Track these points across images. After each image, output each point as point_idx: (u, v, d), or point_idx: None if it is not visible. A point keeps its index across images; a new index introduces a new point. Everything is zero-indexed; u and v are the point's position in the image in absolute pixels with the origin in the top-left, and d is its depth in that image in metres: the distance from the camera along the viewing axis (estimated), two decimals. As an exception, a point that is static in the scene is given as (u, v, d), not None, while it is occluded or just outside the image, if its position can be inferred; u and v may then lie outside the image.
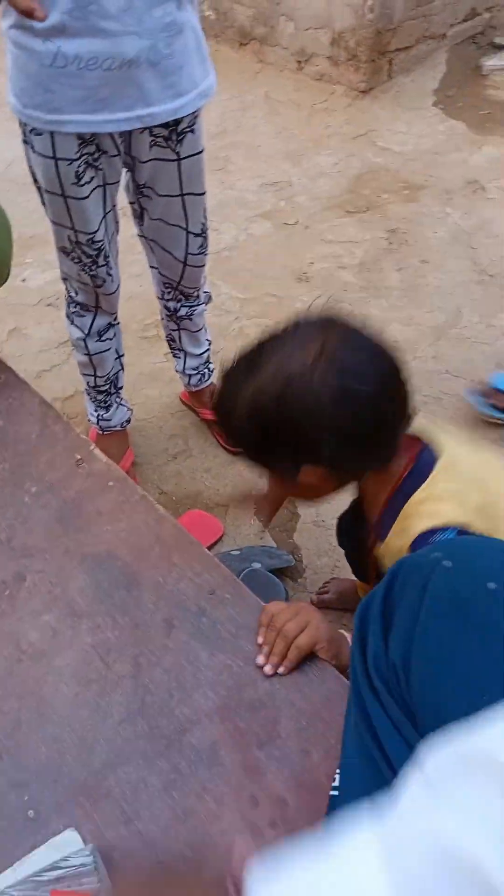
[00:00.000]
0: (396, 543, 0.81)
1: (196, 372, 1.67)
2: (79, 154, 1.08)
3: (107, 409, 1.61)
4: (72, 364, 1.96)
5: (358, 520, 1.01)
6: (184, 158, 1.18)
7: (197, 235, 1.32)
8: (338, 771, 0.59)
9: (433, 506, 0.78)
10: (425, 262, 2.19)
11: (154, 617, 0.75)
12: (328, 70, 2.88)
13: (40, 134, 1.07)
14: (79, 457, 0.90)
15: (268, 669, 0.70)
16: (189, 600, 0.76)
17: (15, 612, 0.76)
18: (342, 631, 0.74)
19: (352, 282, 2.17)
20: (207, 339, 1.66)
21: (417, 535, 0.76)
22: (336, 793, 0.58)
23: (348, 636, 0.73)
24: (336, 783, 0.58)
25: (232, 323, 2.05)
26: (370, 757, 0.54)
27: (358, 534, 1.05)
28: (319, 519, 1.60)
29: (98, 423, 1.60)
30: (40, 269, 2.19)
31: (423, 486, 0.81)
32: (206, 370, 1.68)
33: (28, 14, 0.92)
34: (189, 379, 1.69)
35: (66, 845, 0.60)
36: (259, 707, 0.69)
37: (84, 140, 1.07)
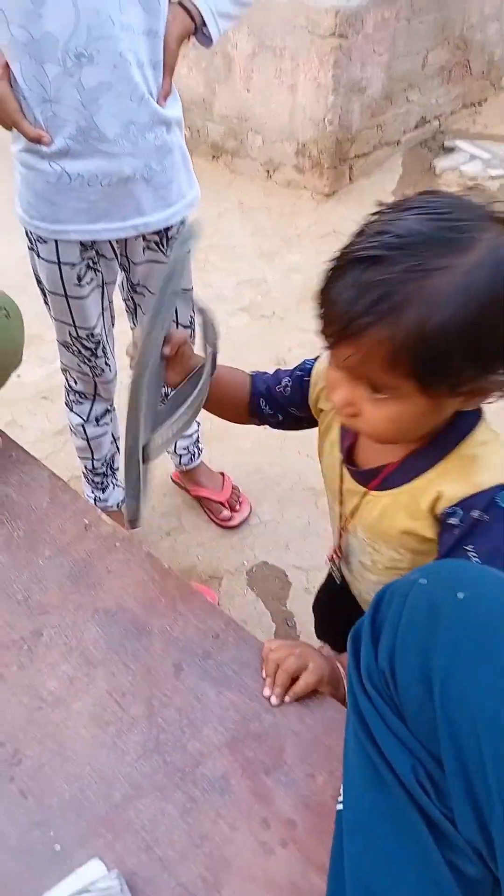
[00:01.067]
0: (416, 492, 0.76)
1: (186, 452, 1.76)
2: (80, 259, 1.21)
3: (103, 490, 1.69)
4: (66, 452, 2.06)
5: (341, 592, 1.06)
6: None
7: (186, 327, 1.44)
8: (342, 787, 0.64)
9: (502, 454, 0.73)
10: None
11: (164, 662, 0.81)
12: (295, 177, 3.13)
13: (45, 242, 1.20)
14: (87, 521, 0.97)
15: (274, 700, 0.76)
16: (195, 645, 0.83)
17: (34, 664, 0.81)
18: (338, 663, 0.80)
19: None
20: (197, 421, 1.76)
21: (490, 487, 0.70)
22: (341, 806, 0.63)
23: (342, 669, 0.79)
24: (341, 798, 0.63)
25: (217, 406, 2.16)
26: (370, 760, 0.60)
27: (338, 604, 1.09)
28: (311, 586, 1.66)
29: (95, 505, 1.68)
30: (36, 364, 2.31)
31: (481, 429, 0.74)
32: (195, 450, 1.77)
33: (36, 141, 1.06)
34: (180, 459, 1.78)
35: (92, 873, 0.64)
36: (265, 738, 0.74)
37: (85, 246, 1.20)
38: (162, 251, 1.29)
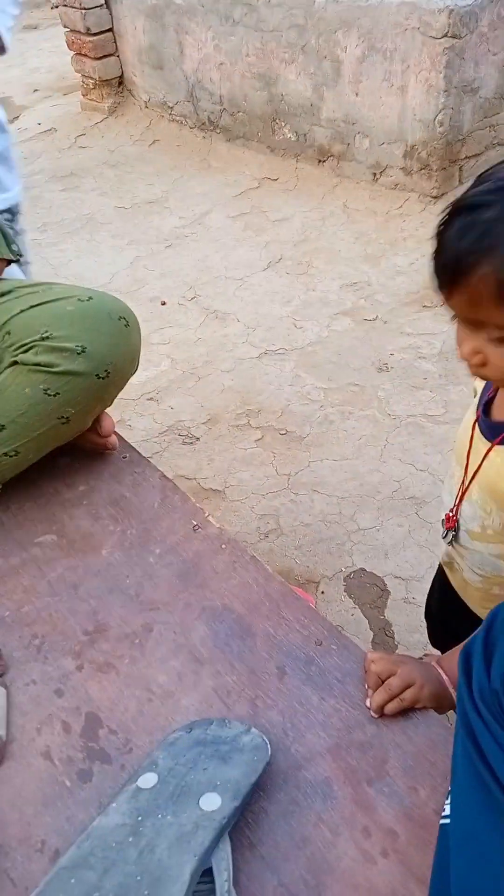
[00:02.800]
0: None
1: None
2: None
3: None
4: (170, 451, 2.12)
5: (446, 597, 1.06)
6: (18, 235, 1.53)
7: None
8: (447, 801, 0.64)
9: None
10: (503, 350, 2.27)
11: (268, 664, 0.83)
12: (402, 180, 3.09)
13: None
14: (195, 522, 1.00)
15: (373, 714, 0.77)
16: (298, 650, 0.84)
17: (144, 657, 0.85)
18: (440, 670, 0.79)
19: (431, 370, 2.28)
20: None
21: None
22: (447, 820, 0.62)
23: (445, 677, 0.79)
24: (447, 812, 0.63)
25: (317, 411, 2.18)
26: (480, 778, 0.59)
27: (447, 611, 1.09)
28: (410, 596, 1.65)
29: None
30: (142, 367, 2.38)
31: None
32: None
33: None
34: None
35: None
36: (367, 748, 0.75)
37: None
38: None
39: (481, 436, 0.86)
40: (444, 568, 1.06)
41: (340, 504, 1.89)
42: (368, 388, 2.25)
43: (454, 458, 0.94)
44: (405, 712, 0.77)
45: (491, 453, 0.84)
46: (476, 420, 0.87)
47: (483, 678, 0.61)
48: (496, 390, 0.87)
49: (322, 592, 1.69)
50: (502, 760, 0.58)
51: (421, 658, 1.48)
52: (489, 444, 0.84)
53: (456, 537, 0.94)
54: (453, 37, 2.65)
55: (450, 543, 0.95)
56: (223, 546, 0.97)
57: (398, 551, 1.75)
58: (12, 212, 1.55)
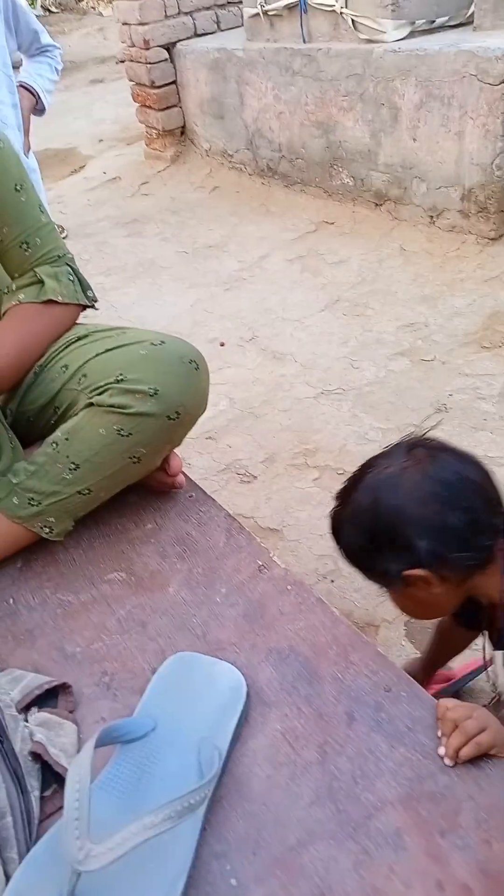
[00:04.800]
0: None
1: None
2: None
3: None
4: (228, 490, 2.14)
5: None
6: None
7: None
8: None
9: None
10: None
11: (336, 709, 0.82)
12: (459, 222, 3.11)
13: None
14: (260, 563, 1.01)
15: (447, 761, 0.75)
16: (367, 695, 0.83)
17: (211, 698, 0.85)
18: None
19: (491, 411, 2.25)
20: None
21: None
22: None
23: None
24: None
25: (374, 450, 2.16)
26: None
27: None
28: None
29: None
30: (201, 405, 2.43)
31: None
32: None
33: None
34: None
35: (267, 912, 0.66)
36: (439, 798, 0.73)
37: None
38: None
39: None
40: None
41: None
42: (426, 429, 2.24)
43: None
44: (477, 762, 0.75)
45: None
46: None
47: None
48: None
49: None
50: None
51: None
52: None
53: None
54: (512, 83, 2.68)
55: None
56: (289, 587, 0.98)
57: (460, 595, 1.72)
58: None
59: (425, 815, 0.72)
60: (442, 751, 0.76)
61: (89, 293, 1.19)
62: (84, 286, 1.18)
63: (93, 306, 1.19)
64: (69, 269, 1.15)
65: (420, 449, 0.94)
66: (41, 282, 1.12)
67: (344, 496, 0.97)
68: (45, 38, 1.98)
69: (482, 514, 0.89)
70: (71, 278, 1.15)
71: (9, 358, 1.09)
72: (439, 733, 0.78)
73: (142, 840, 0.62)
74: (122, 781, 0.76)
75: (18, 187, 1.07)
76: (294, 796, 0.75)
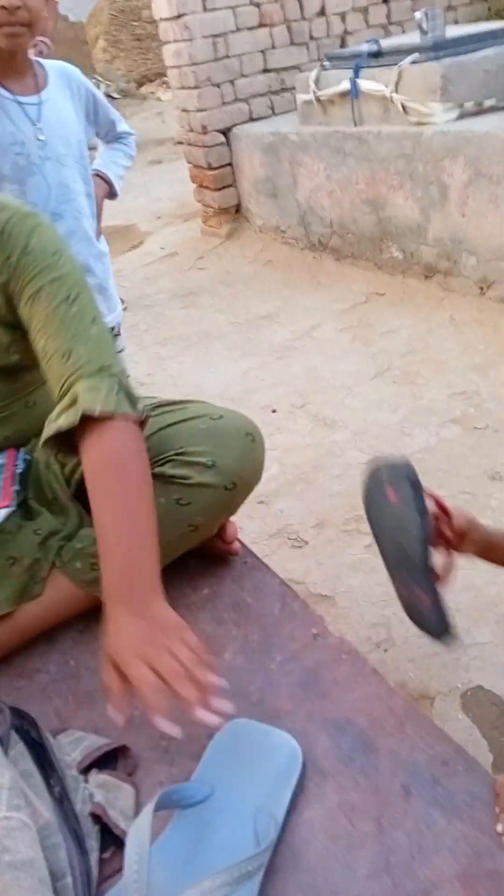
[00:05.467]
0: None
1: None
2: None
3: None
4: (279, 555, 2.15)
5: None
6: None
7: None
8: None
9: None
10: None
11: (392, 782, 0.82)
12: (510, 293, 3.14)
13: None
14: (315, 631, 1.03)
15: (506, 839, 0.74)
16: (423, 769, 0.83)
17: (267, 765, 0.86)
18: None
19: (548, 481, 2.24)
20: None
21: None
22: None
23: None
24: None
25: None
26: None
27: None
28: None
29: None
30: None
31: None
32: None
33: None
34: None
35: None
36: (499, 878, 0.72)
37: None
38: None
39: None
40: None
41: (455, 616, 1.85)
42: (481, 497, 2.23)
43: None
44: (538, 843, 0.74)
45: None
46: None
47: None
48: None
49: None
50: None
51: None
52: None
53: None
54: None
55: None
56: (343, 657, 0.99)
57: (517, 669, 1.68)
58: (113, 332, 1.72)
59: (483, 894, 0.71)
60: (500, 828, 0.75)
61: (139, 406, 1.00)
62: (132, 399, 1.00)
63: (143, 422, 1.01)
64: (114, 381, 0.98)
65: None
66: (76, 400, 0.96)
67: None
68: (122, 126, 2.10)
69: None
70: (115, 389, 0.97)
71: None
72: (497, 809, 0.77)
73: None
74: (179, 846, 0.77)
75: (71, 298, 0.99)
76: (350, 869, 0.75)
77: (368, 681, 0.95)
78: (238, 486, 1.07)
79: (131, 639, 0.83)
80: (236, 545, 1.17)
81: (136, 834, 0.70)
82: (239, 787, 0.82)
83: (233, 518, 1.16)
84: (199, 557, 1.17)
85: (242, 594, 1.12)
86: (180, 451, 1.05)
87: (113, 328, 1.76)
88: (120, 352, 1.76)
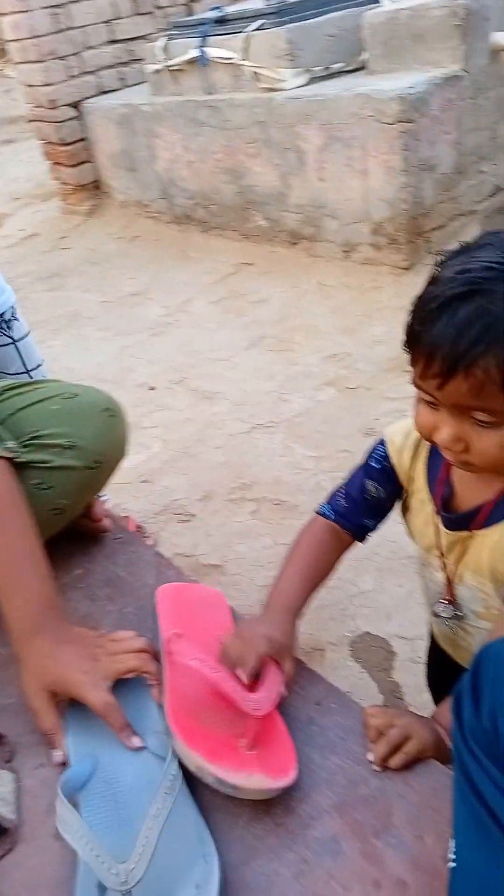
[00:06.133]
0: None
1: None
2: None
3: None
4: (168, 531, 2.15)
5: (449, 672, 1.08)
6: (18, 341, 1.56)
7: None
8: (452, 846, 0.65)
9: None
10: (483, 406, 2.34)
11: (269, 727, 0.84)
12: (372, 255, 3.24)
13: None
14: (191, 595, 1.03)
15: (375, 767, 0.78)
16: (298, 711, 0.86)
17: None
18: (438, 726, 0.81)
19: (416, 431, 2.33)
20: None
21: None
22: (453, 864, 0.63)
23: (442, 731, 0.80)
24: (452, 856, 0.64)
25: (309, 479, 2.22)
26: (478, 819, 0.61)
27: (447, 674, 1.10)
28: (416, 655, 1.65)
29: None
30: (134, 451, 2.44)
31: None
32: None
33: None
34: None
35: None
36: (372, 801, 0.76)
37: None
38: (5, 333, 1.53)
39: (449, 528, 0.88)
40: (446, 647, 1.06)
41: (339, 568, 1.91)
42: (357, 453, 2.27)
43: (422, 550, 0.95)
44: (408, 763, 0.78)
45: (474, 539, 0.86)
46: (437, 513, 0.89)
47: (473, 718, 0.64)
48: (446, 480, 0.88)
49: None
50: (496, 797, 0.60)
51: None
52: (463, 533, 0.86)
53: (460, 618, 0.95)
54: (406, 121, 2.84)
55: (452, 624, 0.97)
56: (220, 615, 1.00)
57: (400, 611, 1.76)
58: (4, 318, 1.59)
59: (360, 819, 0.74)
60: (371, 756, 0.79)
61: (8, 443, 0.98)
62: (2, 437, 0.98)
63: (11, 459, 0.98)
64: None
65: None
66: None
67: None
68: None
69: None
70: None
71: None
72: (368, 740, 0.81)
73: (159, 827, 0.68)
74: (102, 812, 0.76)
75: None
76: (234, 816, 0.76)
77: (244, 636, 0.96)
78: (101, 465, 1.05)
79: (78, 662, 0.84)
80: (106, 522, 1.15)
81: (70, 825, 0.71)
82: (109, 737, 0.82)
83: (114, 497, 1.14)
84: (69, 539, 1.15)
85: (116, 569, 1.11)
86: (34, 434, 1.02)
87: (3, 314, 1.57)
88: (25, 336, 1.60)
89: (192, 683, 0.83)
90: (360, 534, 0.99)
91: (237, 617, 1.00)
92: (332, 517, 0.98)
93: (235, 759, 0.76)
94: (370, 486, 0.96)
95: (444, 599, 0.94)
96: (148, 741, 0.79)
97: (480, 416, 0.72)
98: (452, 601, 0.93)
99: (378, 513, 0.98)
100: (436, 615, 0.98)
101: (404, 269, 3.15)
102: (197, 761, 0.75)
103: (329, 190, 3.25)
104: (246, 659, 0.82)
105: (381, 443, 0.96)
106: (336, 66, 3.34)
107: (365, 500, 0.96)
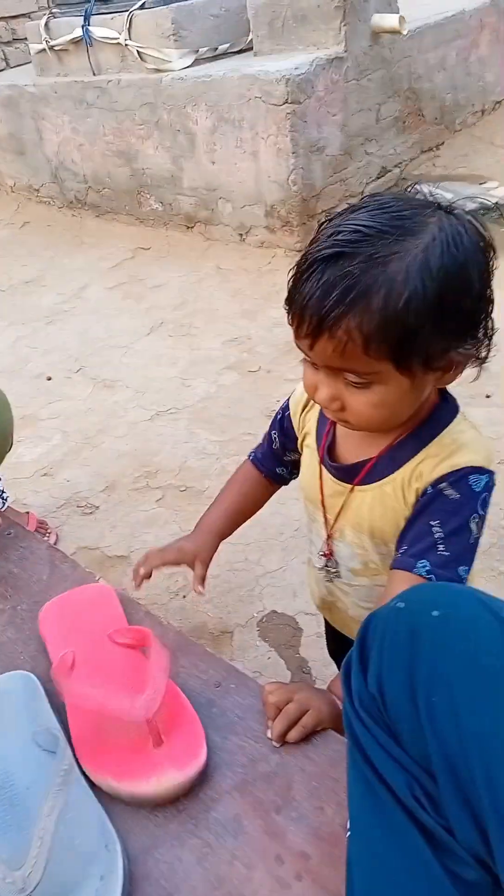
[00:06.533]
0: (401, 482, 0.81)
1: None
2: None
3: None
4: (70, 524, 2.10)
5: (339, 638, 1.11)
6: None
7: None
8: (349, 814, 0.66)
9: (479, 443, 0.80)
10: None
11: (170, 713, 0.83)
12: (267, 237, 3.25)
13: None
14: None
15: (275, 743, 0.79)
16: (198, 694, 0.85)
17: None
18: (335, 700, 0.82)
19: (317, 411, 2.36)
20: None
21: (464, 467, 0.77)
22: (349, 831, 0.65)
23: (337, 701, 0.82)
24: (349, 825, 0.65)
25: (214, 463, 2.22)
26: (367, 782, 0.62)
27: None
28: (321, 630, 1.68)
29: None
30: (33, 444, 2.37)
31: (459, 420, 0.81)
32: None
33: None
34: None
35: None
36: (273, 777, 0.77)
37: None
38: None
39: (333, 478, 0.90)
40: (323, 612, 1.09)
41: (246, 550, 1.92)
42: (261, 436, 2.31)
43: (307, 502, 0.97)
44: (306, 736, 0.79)
45: (354, 494, 0.87)
46: (321, 462, 0.92)
47: (360, 685, 0.65)
48: (331, 432, 0.91)
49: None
50: (384, 759, 0.61)
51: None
52: (346, 486, 0.88)
53: (337, 574, 0.97)
54: (293, 102, 2.85)
55: (330, 581, 0.99)
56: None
57: (305, 588, 1.79)
58: None
59: (261, 796, 0.75)
60: (269, 733, 0.80)
61: None
62: None
63: None
64: None
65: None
66: None
67: (397, 239, 0.69)
68: None
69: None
70: None
71: None
72: (267, 716, 0.81)
73: (53, 825, 0.66)
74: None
75: None
76: (136, 805, 0.75)
77: (142, 623, 0.95)
78: (-16, 455, 1.01)
79: None
80: (-5, 517, 1.11)
81: None
82: (0, 739, 0.79)
83: (12, 492, 1.10)
84: (-43, 537, 1.10)
85: (8, 566, 1.07)
86: None
87: None
88: None
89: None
90: (276, 478, 1.07)
91: (126, 604, 0.98)
92: (252, 460, 1.08)
93: (144, 765, 0.76)
94: (274, 435, 1.02)
95: (323, 554, 0.97)
96: (39, 738, 0.77)
97: (350, 376, 0.74)
98: (329, 557, 0.95)
99: (285, 462, 1.04)
100: (314, 567, 1.01)
101: (298, 251, 3.16)
102: (107, 784, 0.75)
103: (221, 172, 3.23)
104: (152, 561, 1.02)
105: (290, 396, 0.99)
106: (222, 48, 3.31)
107: (272, 449, 1.04)
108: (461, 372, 0.77)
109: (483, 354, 0.76)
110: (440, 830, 0.57)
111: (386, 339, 0.69)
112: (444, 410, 0.82)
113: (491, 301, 0.73)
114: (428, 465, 0.80)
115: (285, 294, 0.77)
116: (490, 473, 0.79)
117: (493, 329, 0.75)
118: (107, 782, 0.75)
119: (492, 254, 0.73)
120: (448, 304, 0.69)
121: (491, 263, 0.73)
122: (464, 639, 0.60)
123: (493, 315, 0.75)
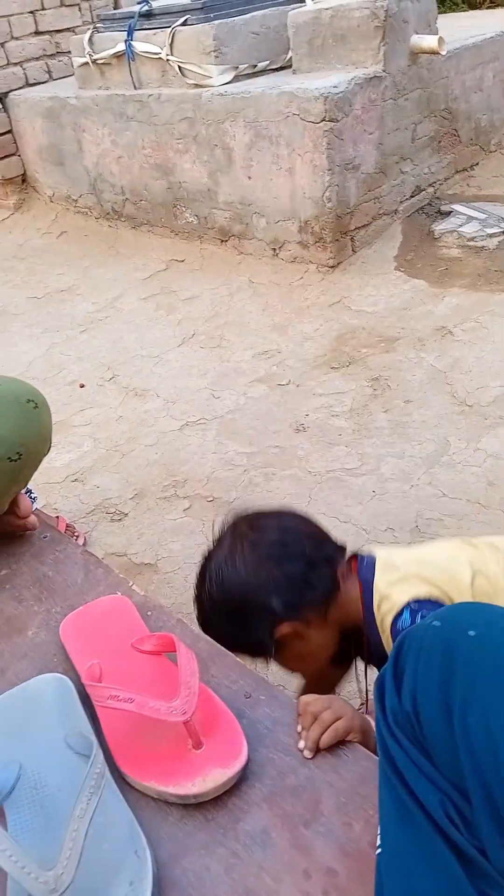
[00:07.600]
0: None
1: None
2: None
3: None
4: (99, 530, 2.12)
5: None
6: None
7: None
8: (379, 832, 0.66)
9: (389, 599, 0.99)
10: (409, 401, 2.40)
11: (200, 723, 0.84)
12: (300, 253, 3.27)
13: None
14: (119, 593, 1.02)
15: (307, 753, 0.79)
16: (228, 705, 0.86)
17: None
18: (367, 717, 0.83)
19: (345, 426, 2.37)
20: None
21: (389, 626, 0.99)
22: (380, 849, 0.65)
23: (372, 722, 0.82)
24: (379, 842, 0.65)
25: (241, 475, 2.23)
26: (400, 800, 0.62)
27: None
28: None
29: None
30: (65, 449, 2.41)
31: (374, 590, 1.02)
32: None
33: None
34: None
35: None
36: (301, 791, 0.77)
37: None
38: None
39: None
40: None
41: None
42: (288, 449, 2.33)
43: None
44: (335, 750, 0.80)
45: None
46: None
47: (395, 702, 0.65)
48: None
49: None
50: (418, 777, 0.61)
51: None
52: None
53: None
54: (331, 120, 2.88)
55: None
56: (149, 613, 0.99)
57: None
58: None
59: (289, 809, 0.75)
60: (302, 744, 0.80)
61: None
62: None
63: None
64: None
65: (241, 524, 1.08)
66: None
67: (199, 594, 1.10)
68: None
69: (313, 552, 1.05)
70: None
71: None
72: (299, 728, 0.82)
73: (85, 828, 0.66)
74: (30, 820, 0.74)
75: None
76: (164, 814, 0.76)
77: (174, 631, 0.96)
78: (24, 457, 1.02)
79: None
80: (32, 519, 1.13)
81: None
82: (33, 741, 0.80)
83: (42, 497, 1.12)
84: (-6, 538, 1.12)
85: (43, 569, 1.08)
86: (-47, 428, 0.98)
87: None
88: None
89: (122, 714, 0.82)
90: None
91: (157, 612, 0.99)
92: None
93: (188, 766, 0.77)
94: None
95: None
96: (71, 741, 0.78)
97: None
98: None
99: None
100: None
101: (331, 267, 3.20)
102: (154, 790, 0.76)
103: (257, 188, 3.26)
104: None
105: None
106: (262, 64, 3.36)
107: None
108: (298, 631, 1.03)
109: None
110: (473, 851, 0.57)
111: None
112: (363, 572, 1.04)
113: (275, 585, 1.03)
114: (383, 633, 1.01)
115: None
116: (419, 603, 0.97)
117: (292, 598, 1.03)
118: (153, 788, 0.76)
119: None
120: (237, 620, 1.06)
121: None
122: (500, 659, 0.60)
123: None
